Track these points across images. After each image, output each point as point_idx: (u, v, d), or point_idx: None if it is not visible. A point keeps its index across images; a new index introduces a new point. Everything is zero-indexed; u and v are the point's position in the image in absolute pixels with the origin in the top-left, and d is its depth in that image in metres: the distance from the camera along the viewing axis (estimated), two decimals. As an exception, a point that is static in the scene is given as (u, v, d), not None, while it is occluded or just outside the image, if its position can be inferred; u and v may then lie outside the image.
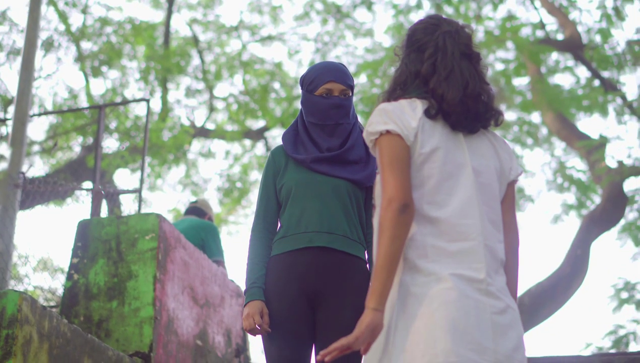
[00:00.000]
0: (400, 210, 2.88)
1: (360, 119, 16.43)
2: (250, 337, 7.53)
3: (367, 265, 4.05)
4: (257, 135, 19.00)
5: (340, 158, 4.07)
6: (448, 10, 16.63)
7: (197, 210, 8.03)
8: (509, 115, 17.56)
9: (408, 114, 3.04)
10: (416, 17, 17.30)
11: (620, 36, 23.81)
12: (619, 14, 15.23)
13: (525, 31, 16.66)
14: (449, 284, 2.85)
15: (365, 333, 2.83)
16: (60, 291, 8.22)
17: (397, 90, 3.17)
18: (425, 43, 3.18)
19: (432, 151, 3.02)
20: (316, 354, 3.92)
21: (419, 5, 17.12)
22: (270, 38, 19.74)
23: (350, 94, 4.14)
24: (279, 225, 4.11)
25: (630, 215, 15.06)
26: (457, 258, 2.91)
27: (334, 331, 3.85)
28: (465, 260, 2.91)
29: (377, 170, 4.14)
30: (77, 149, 16.10)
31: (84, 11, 17.00)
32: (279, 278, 3.94)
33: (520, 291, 13.51)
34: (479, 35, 15.84)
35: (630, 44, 15.24)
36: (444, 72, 3.10)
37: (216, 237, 7.67)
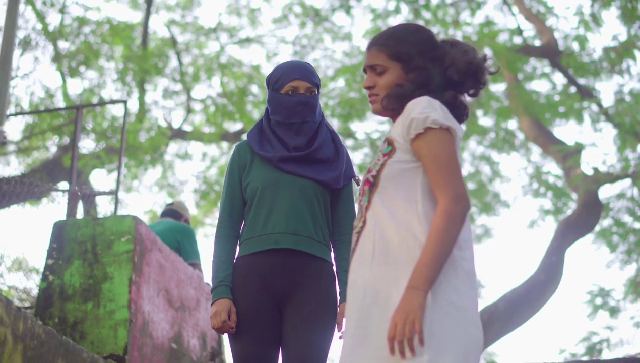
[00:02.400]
0: (468, 208, 2.88)
1: (337, 122, 16.50)
2: (225, 340, 7.52)
3: (333, 267, 4.06)
4: (235, 137, 18.97)
5: (309, 157, 4.06)
6: (426, 15, 16.68)
7: (174, 212, 8.00)
8: (486, 121, 17.64)
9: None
10: (394, 21, 17.34)
11: (597, 42, 23.94)
12: (596, 20, 15.32)
13: (503, 37, 16.73)
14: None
15: (420, 315, 2.73)
16: (34, 292, 8.17)
17: (418, 92, 3.07)
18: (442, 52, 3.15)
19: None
20: (283, 355, 3.93)
21: (397, 10, 17.16)
22: (248, 40, 19.73)
23: (317, 92, 4.13)
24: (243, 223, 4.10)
25: (605, 221, 15.17)
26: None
27: (299, 332, 3.87)
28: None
29: (350, 172, 4.13)
30: (53, 149, 16.02)
31: (62, 11, 16.91)
32: (245, 279, 3.95)
33: (496, 297, 13.58)
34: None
35: (606, 50, 15.32)
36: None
37: (192, 239, 7.65)
